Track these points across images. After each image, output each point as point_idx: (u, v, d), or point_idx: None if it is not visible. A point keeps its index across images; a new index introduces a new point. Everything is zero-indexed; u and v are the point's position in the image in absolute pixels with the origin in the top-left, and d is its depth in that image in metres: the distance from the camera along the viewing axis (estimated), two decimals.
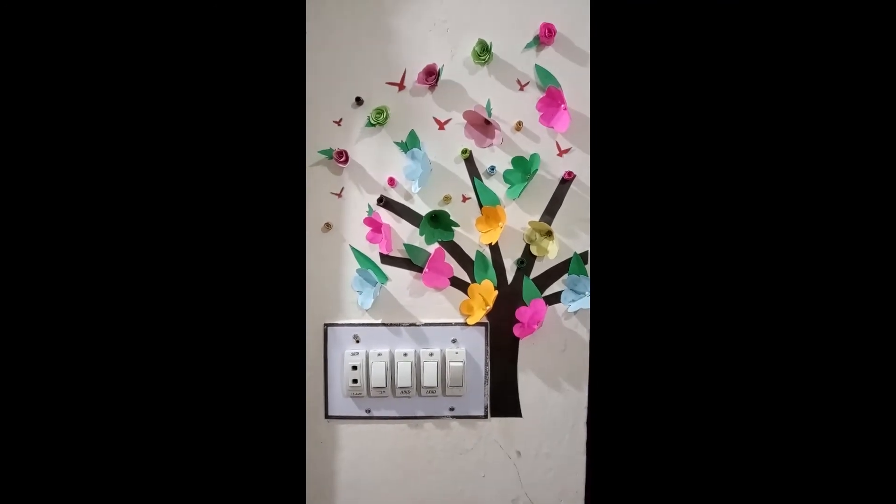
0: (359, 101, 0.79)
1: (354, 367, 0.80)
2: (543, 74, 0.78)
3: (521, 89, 0.79)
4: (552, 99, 0.78)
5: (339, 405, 0.82)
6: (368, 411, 0.82)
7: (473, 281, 0.80)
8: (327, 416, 0.82)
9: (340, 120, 0.80)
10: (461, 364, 0.80)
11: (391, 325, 0.81)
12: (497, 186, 0.80)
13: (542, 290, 0.80)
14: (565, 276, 0.80)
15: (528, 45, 0.78)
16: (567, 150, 0.79)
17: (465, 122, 0.79)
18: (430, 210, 0.79)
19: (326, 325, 0.81)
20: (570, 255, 0.79)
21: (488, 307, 0.79)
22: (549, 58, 0.78)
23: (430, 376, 0.79)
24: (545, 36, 0.76)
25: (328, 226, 0.81)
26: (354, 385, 0.80)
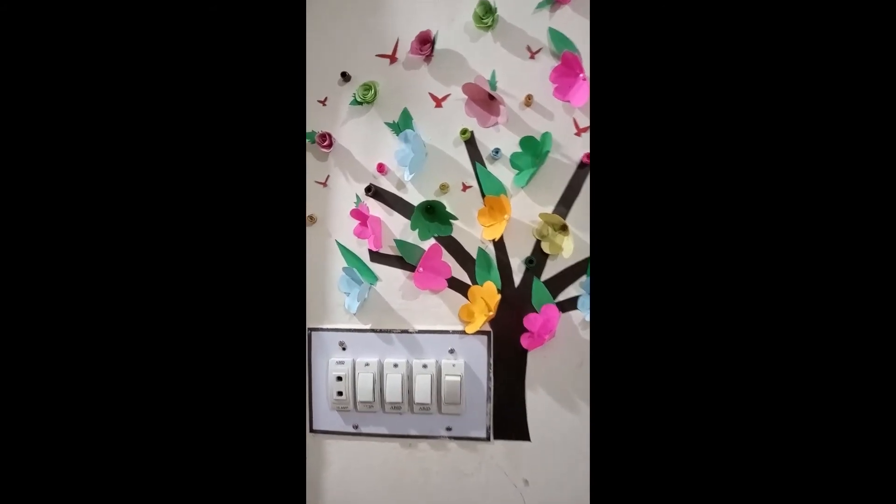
0: (345, 76, 0.70)
1: (339, 378, 0.71)
2: (558, 39, 0.66)
3: (532, 57, 0.67)
4: (568, 68, 0.66)
5: (325, 419, 0.74)
6: (356, 427, 0.73)
7: (474, 283, 0.70)
8: (312, 430, 0.74)
9: (325, 99, 0.71)
10: (458, 378, 0.69)
11: (381, 331, 0.72)
12: (503, 172, 0.69)
13: (554, 294, 0.68)
14: (582, 279, 0.68)
15: (540, 5, 0.67)
16: (586, 129, 0.67)
17: (465, 97, 0.69)
18: (425, 200, 0.69)
19: (310, 330, 0.73)
20: (588, 253, 0.67)
21: (491, 313, 0.68)
22: (565, 19, 0.67)
23: (422, 391, 0.70)
24: None
25: (312, 218, 0.72)
26: (340, 397, 0.72)
